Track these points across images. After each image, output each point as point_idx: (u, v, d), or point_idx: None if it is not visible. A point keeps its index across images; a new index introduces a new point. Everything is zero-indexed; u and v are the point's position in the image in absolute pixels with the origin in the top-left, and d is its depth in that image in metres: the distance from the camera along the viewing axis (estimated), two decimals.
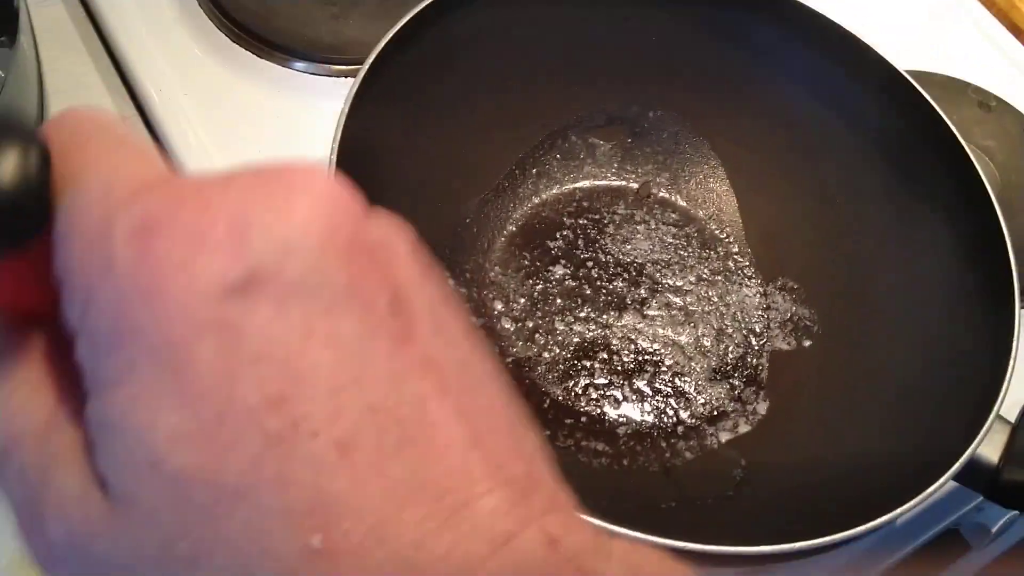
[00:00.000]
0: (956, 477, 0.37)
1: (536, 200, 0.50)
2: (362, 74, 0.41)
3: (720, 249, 0.51)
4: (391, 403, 0.17)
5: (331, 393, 0.16)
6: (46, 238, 0.18)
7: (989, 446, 0.38)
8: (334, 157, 0.39)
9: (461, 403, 0.18)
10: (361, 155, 0.41)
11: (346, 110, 0.40)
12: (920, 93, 0.46)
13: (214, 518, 0.16)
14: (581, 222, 0.50)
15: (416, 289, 0.18)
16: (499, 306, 0.47)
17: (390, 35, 0.43)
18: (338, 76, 0.55)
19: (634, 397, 0.45)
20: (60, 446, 0.18)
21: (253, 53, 0.55)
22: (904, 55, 0.48)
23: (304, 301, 0.17)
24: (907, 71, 0.47)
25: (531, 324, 0.46)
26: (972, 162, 0.44)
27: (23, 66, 0.37)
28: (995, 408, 0.38)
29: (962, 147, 0.44)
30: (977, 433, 0.37)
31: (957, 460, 0.36)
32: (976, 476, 0.39)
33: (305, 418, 0.16)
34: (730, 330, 0.48)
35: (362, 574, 0.16)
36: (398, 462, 0.17)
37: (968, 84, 0.61)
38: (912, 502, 0.36)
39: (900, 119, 0.47)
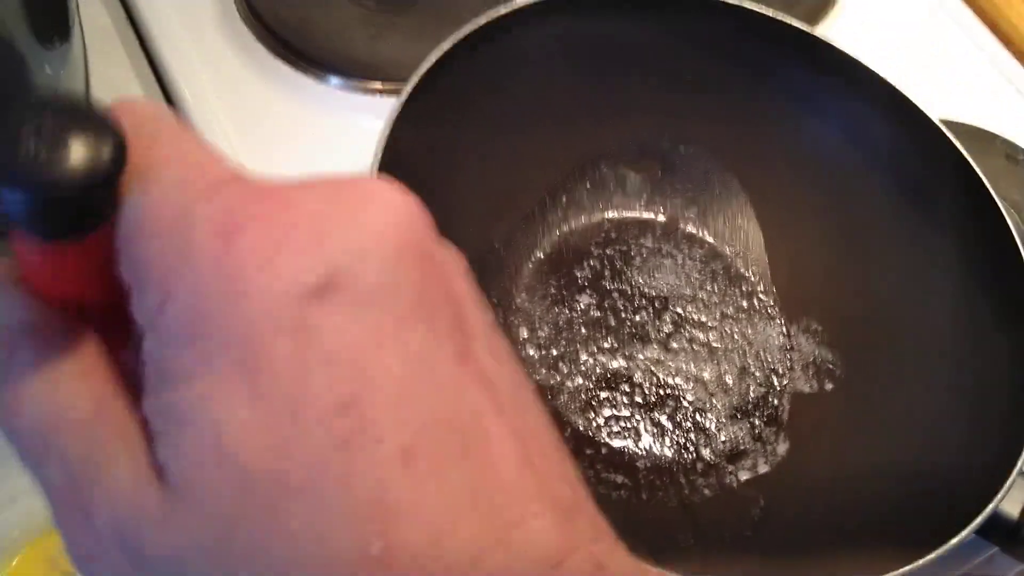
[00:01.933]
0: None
1: (565, 228, 0.51)
2: (405, 95, 0.42)
3: (745, 287, 0.51)
4: (452, 415, 0.17)
5: (398, 400, 0.17)
6: (108, 230, 0.18)
7: (1010, 501, 0.38)
8: (375, 174, 0.39)
9: (513, 422, 0.18)
10: (396, 174, 0.41)
11: (388, 130, 0.41)
12: (953, 143, 0.46)
13: (276, 514, 0.16)
14: (608, 253, 0.50)
15: (472, 309, 0.19)
16: (524, 332, 0.47)
17: (433, 59, 0.43)
18: (373, 94, 0.56)
19: (655, 431, 0.45)
20: (110, 436, 0.18)
21: (291, 67, 0.56)
22: (934, 103, 0.49)
23: (378, 308, 0.17)
24: (939, 120, 0.48)
25: (555, 352, 0.47)
26: (1003, 216, 0.44)
27: (75, 66, 0.38)
28: (1018, 463, 0.38)
29: (993, 200, 0.45)
30: (1000, 488, 0.37)
31: (979, 514, 0.36)
32: (995, 529, 0.39)
33: (373, 423, 0.16)
34: (752, 369, 0.48)
35: None
36: (457, 474, 0.17)
37: (996, 136, 0.61)
38: (931, 555, 0.36)
39: (931, 167, 0.48)
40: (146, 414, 0.17)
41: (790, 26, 0.49)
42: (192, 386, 0.17)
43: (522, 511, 0.17)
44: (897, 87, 0.48)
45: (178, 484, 0.17)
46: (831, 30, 0.65)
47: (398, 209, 0.18)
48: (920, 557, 0.36)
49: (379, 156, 0.40)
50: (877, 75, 0.48)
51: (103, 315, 0.19)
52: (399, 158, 0.41)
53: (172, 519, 0.17)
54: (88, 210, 0.17)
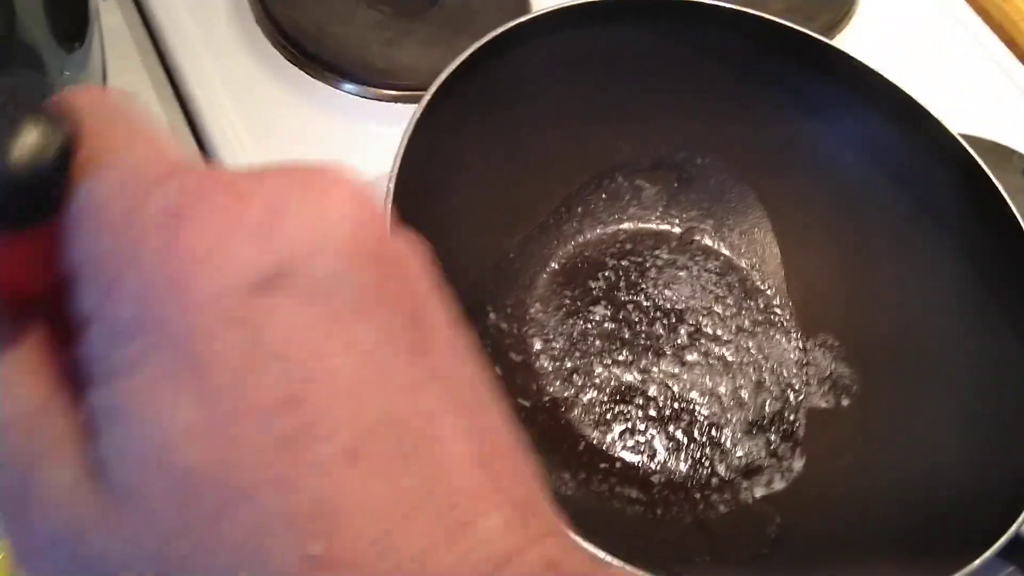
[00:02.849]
0: None
1: (580, 239, 0.50)
2: (424, 103, 0.41)
3: (761, 301, 0.50)
4: (404, 413, 0.17)
5: (346, 398, 0.16)
6: (55, 221, 0.17)
7: None
8: (392, 184, 0.39)
9: (469, 421, 0.18)
10: (413, 183, 0.41)
11: (406, 137, 0.40)
12: (974, 158, 0.46)
13: (217, 517, 0.16)
14: (623, 264, 0.50)
15: (431, 305, 0.19)
16: (538, 344, 0.47)
17: (452, 68, 0.43)
18: (388, 101, 0.56)
19: (670, 445, 0.45)
20: (51, 435, 0.17)
21: (305, 72, 0.56)
22: (951, 118, 0.48)
23: (327, 303, 0.17)
24: (959, 135, 0.47)
25: (569, 364, 0.46)
26: None
27: (93, 69, 0.37)
28: None
29: (1014, 216, 0.44)
30: (1021, 510, 0.36)
31: (1002, 535, 0.36)
32: (1015, 550, 0.38)
33: (316, 422, 0.16)
34: (768, 383, 0.48)
35: None
36: (406, 473, 0.16)
37: (1014, 152, 0.61)
38: None
39: (950, 183, 0.47)
40: (88, 410, 0.17)
41: (809, 37, 0.49)
42: (133, 380, 0.16)
43: (472, 511, 0.17)
44: (917, 100, 0.48)
45: (118, 486, 0.16)
46: (848, 43, 0.65)
47: (354, 202, 0.17)
48: None
49: (397, 164, 0.39)
50: (897, 88, 0.48)
51: (49, 309, 0.18)
52: (416, 166, 0.41)
53: (111, 522, 0.16)
54: (36, 200, 0.17)
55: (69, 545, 0.17)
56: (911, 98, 0.48)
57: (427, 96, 0.42)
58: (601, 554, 0.33)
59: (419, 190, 0.42)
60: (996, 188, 0.45)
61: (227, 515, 0.16)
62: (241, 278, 0.16)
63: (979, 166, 0.46)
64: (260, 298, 0.16)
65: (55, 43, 0.33)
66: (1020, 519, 0.37)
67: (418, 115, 0.41)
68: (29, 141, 0.16)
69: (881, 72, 0.48)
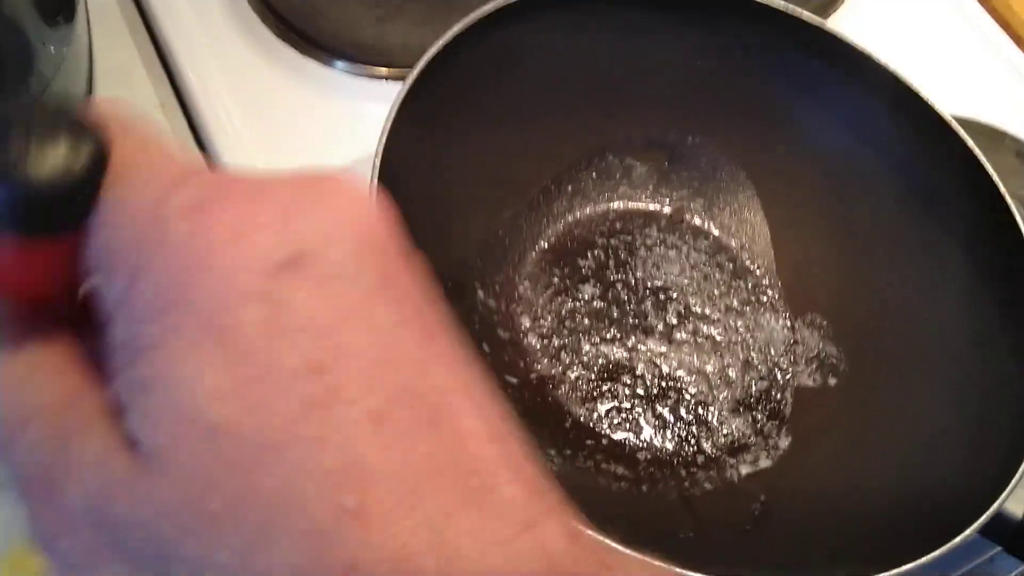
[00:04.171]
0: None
1: (569, 218, 0.50)
2: (410, 80, 0.41)
3: (750, 280, 0.50)
4: (421, 387, 0.18)
5: (367, 367, 0.17)
6: (79, 233, 0.18)
7: (1014, 500, 0.38)
8: (378, 160, 0.39)
9: (479, 404, 0.19)
10: (401, 159, 0.41)
11: (392, 115, 0.40)
12: (964, 141, 0.46)
13: (248, 473, 0.16)
14: (613, 243, 0.50)
15: (432, 304, 0.20)
16: (527, 322, 0.47)
17: (440, 44, 0.43)
18: (379, 79, 0.56)
19: (656, 423, 0.45)
20: (81, 416, 0.18)
21: (296, 50, 0.56)
22: (944, 100, 0.48)
23: (343, 285, 0.18)
24: (950, 116, 0.47)
25: (557, 342, 0.46)
26: (1013, 214, 0.44)
27: (78, 45, 0.37)
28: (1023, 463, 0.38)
29: (1003, 197, 0.44)
30: (1005, 487, 0.37)
31: (983, 513, 0.36)
32: (998, 529, 0.38)
33: (342, 386, 0.17)
34: (756, 362, 0.48)
35: (393, 538, 0.16)
36: (427, 440, 0.17)
37: (1006, 134, 0.61)
38: (934, 553, 0.36)
39: (941, 165, 0.47)
40: (115, 392, 0.18)
41: (799, 19, 0.48)
42: (161, 353, 0.17)
43: (492, 479, 0.18)
44: (907, 82, 0.47)
45: (150, 449, 0.17)
46: (841, 25, 0.65)
47: (363, 203, 0.19)
48: (922, 555, 0.36)
49: (383, 142, 0.39)
50: (887, 69, 0.48)
51: (75, 312, 0.20)
52: (403, 144, 0.41)
53: (144, 484, 0.17)
54: (67, 210, 0.18)
55: (99, 516, 0.17)
56: (901, 79, 0.48)
57: (413, 73, 0.41)
58: (590, 532, 0.33)
59: (406, 167, 0.42)
60: (986, 169, 0.45)
61: (258, 470, 0.16)
62: (263, 260, 0.17)
63: (969, 147, 0.46)
64: (280, 279, 0.17)
65: (38, 16, 0.33)
66: (1002, 497, 0.37)
67: (404, 92, 0.41)
68: (61, 155, 0.17)
69: (872, 53, 0.48)
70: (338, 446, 0.16)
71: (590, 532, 0.19)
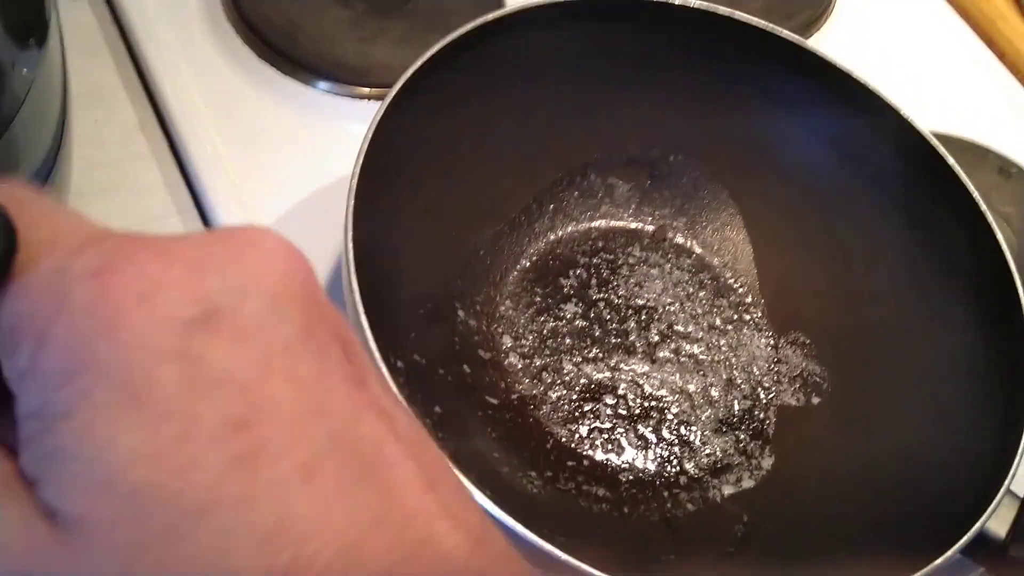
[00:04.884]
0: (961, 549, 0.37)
1: (551, 236, 0.50)
2: (389, 98, 0.41)
3: (733, 298, 0.50)
4: (350, 438, 0.17)
5: (292, 420, 0.17)
6: None
7: (997, 520, 0.38)
8: (355, 182, 0.38)
9: (413, 451, 0.18)
10: (380, 178, 0.41)
11: (370, 133, 0.40)
12: (943, 157, 0.46)
13: (176, 538, 0.16)
14: (595, 262, 0.50)
15: (359, 350, 0.19)
16: (508, 341, 0.46)
17: (420, 62, 0.42)
18: (361, 98, 0.55)
19: (638, 443, 0.44)
20: None
21: (278, 70, 0.55)
22: (927, 116, 0.48)
23: (262, 339, 0.17)
24: (930, 133, 0.47)
25: (539, 362, 0.46)
26: (995, 232, 0.43)
27: (50, 68, 0.37)
28: (1006, 482, 0.37)
29: (985, 217, 0.44)
30: (987, 507, 0.36)
31: (965, 533, 0.36)
32: (981, 549, 0.38)
33: (268, 440, 0.16)
34: (739, 381, 0.47)
35: None
36: (360, 492, 0.17)
37: (989, 150, 0.61)
38: (917, 574, 0.36)
39: (921, 182, 0.47)
40: (27, 468, 0.17)
41: (781, 38, 0.49)
42: (73, 421, 0.16)
43: (430, 529, 0.17)
44: (887, 99, 0.47)
45: (70, 519, 0.16)
46: (825, 43, 0.65)
47: (278, 254, 0.18)
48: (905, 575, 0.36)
49: (361, 159, 0.39)
50: (868, 88, 0.48)
51: None
52: (382, 161, 0.40)
53: (66, 554, 0.16)
54: None
55: None
56: (881, 97, 0.48)
57: (392, 92, 0.41)
58: (564, 556, 0.32)
59: (385, 186, 0.41)
60: (966, 186, 0.45)
61: (186, 534, 0.16)
62: (173, 318, 0.16)
63: (949, 165, 0.46)
64: (194, 336, 0.16)
65: (7, 38, 0.33)
66: (984, 516, 0.36)
67: (382, 111, 0.41)
68: None
69: (850, 70, 0.48)
70: (268, 503, 0.16)
71: None
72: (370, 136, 0.40)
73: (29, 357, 0.17)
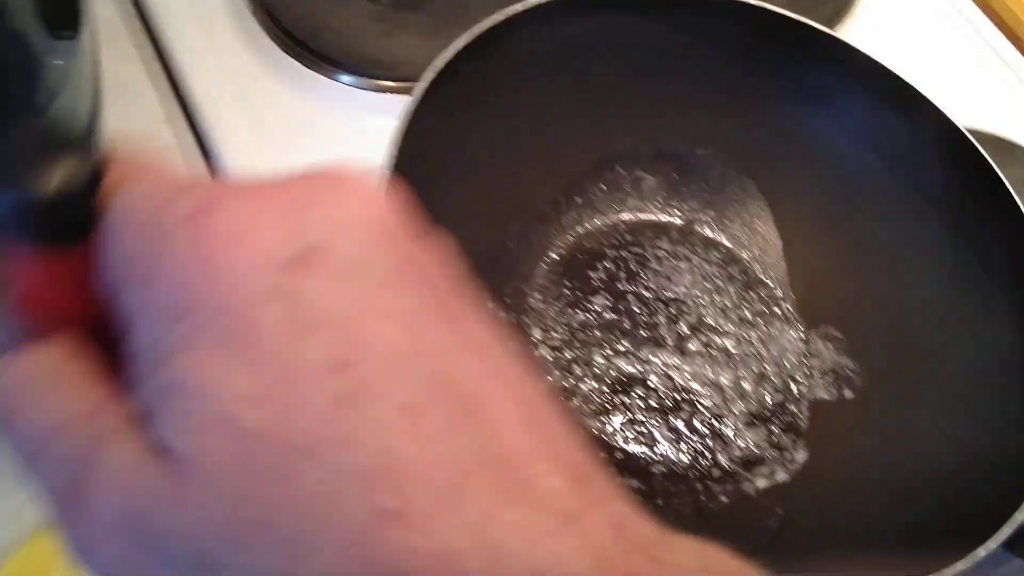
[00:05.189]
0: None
1: (579, 229, 0.50)
2: (419, 92, 0.41)
3: (763, 292, 0.50)
4: (450, 376, 0.17)
5: (393, 359, 0.16)
6: (89, 244, 0.19)
7: None
8: (388, 171, 0.38)
9: (512, 389, 0.18)
10: (409, 171, 0.40)
11: (402, 127, 0.40)
12: (979, 151, 0.46)
13: (283, 478, 0.16)
14: (624, 255, 0.49)
15: (454, 286, 0.19)
16: (537, 334, 0.46)
17: (447, 56, 0.42)
18: (385, 92, 0.55)
19: (671, 436, 0.44)
20: (107, 426, 0.17)
21: (302, 64, 0.55)
22: (955, 112, 0.48)
23: (359, 276, 0.17)
24: (964, 127, 0.47)
25: (569, 355, 0.46)
26: None
27: (85, 59, 0.37)
28: None
29: (1018, 208, 0.44)
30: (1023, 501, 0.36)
31: (1004, 527, 0.35)
32: (1020, 542, 0.37)
33: (370, 380, 0.16)
34: (770, 374, 0.47)
35: (436, 540, 0.16)
36: (461, 431, 0.17)
37: (1017, 145, 0.61)
38: (954, 566, 0.35)
39: (955, 176, 0.47)
40: (140, 400, 0.17)
41: (810, 27, 0.48)
42: (184, 359, 0.16)
43: (532, 471, 0.17)
44: (916, 87, 0.47)
45: (181, 457, 0.16)
46: (851, 35, 0.64)
47: (369, 195, 0.18)
48: (942, 568, 0.35)
49: (393, 153, 0.39)
50: (896, 76, 0.47)
51: (89, 327, 0.20)
52: (412, 156, 0.40)
53: (179, 493, 0.16)
54: (73, 220, 0.18)
55: (134, 524, 0.16)
56: (910, 86, 0.47)
57: (421, 85, 0.41)
58: None
59: (414, 180, 0.41)
60: (1001, 180, 0.45)
61: (293, 474, 0.16)
62: (272, 257, 0.17)
63: (980, 154, 0.46)
64: (292, 274, 0.17)
65: (44, 30, 0.33)
66: (1022, 510, 0.36)
67: (413, 105, 0.40)
68: (66, 168, 0.18)
69: (880, 60, 0.48)
70: (372, 445, 0.16)
71: (637, 520, 0.18)
72: (401, 132, 0.40)
73: (139, 294, 0.17)
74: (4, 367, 0.18)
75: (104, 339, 0.19)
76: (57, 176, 0.18)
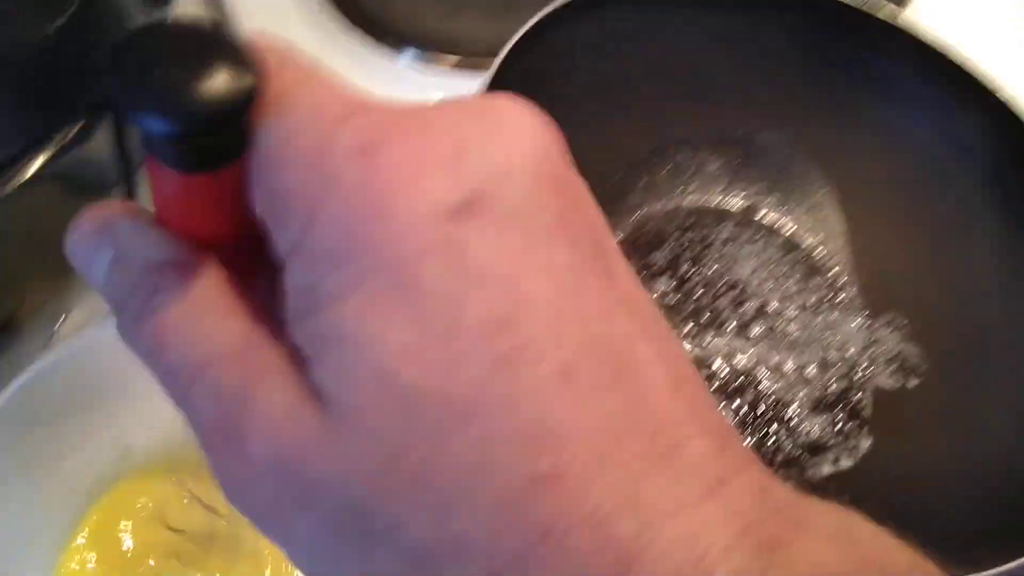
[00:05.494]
0: None
1: (641, 212, 0.50)
2: (492, 72, 0.41)
3: (827, 278, 0.50)
4: (604, 336, 0.17)
5: (552, 319, 0.16)
6: (241, 164, 0.17)
7: None
8: None
9: (661, 349, 0.17)
10: None
11: None
12: None
13: (441, 435, 0.16)
14: (686, 238, 0.49)
15: (608, 234, 0.19)
16: None
17: (518, 37, 0.42)
18: (446, 69, 0.55)
19: (734, 419, 0.44)
20: (262, 363, 0.17)
21: (363, 39, 0.55)
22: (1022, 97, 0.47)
23: (522, 228, 0.17)
24: None
25: None
26: None
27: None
28: None
29: None
30: None
31: None
32: None
33: (530, 340, 0.16)
34: (833, 361, 0.47)
35: (589, 502, 0.16)
36: (613, 395, 0.16)
37: None
38: (1020, 560, 0.35)
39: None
40: (295, 341, 0.17)
41: (874, 18, 0.48)
42: (346, 307, 0.16)
43: (679, 434, 0.17)
44: (988, 78, 0.46)
45: (339, 406, 0.16)
46: (919, 16, 0.63)
47: (534, 133, 0.18)
48: (1008, 560, 0.35)
49: None
50: (966, 65, 0.47)
51: (234, 251, 0.19)
52: None
53: (334, 442, 0.16)
54: (225, 141, 0.17)
55: (287, 469, 0.16)
56: (976, 77, 0.46)
57: (495, 64, 0.41)
58: None
59: None
60: None
61: (451, 435, 0.16)
62: (439, 205, 0.16)
63: None
64: (457, 223, 0.16)
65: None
66: None
67: (487, 83, 0.41)
68: (222, 79, 0.16)
69: (945, 49, 0.47)
70: (530, 408, 0.16)
71: (776, 484, 0.18)
72: None
73: (299, 232, 0.17)
74: (152, 298, 0.18)
75: (248, 262, 0.19)
76: (208, 94, 0.16)
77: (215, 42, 0.17)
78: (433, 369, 0.16)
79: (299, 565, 0.18)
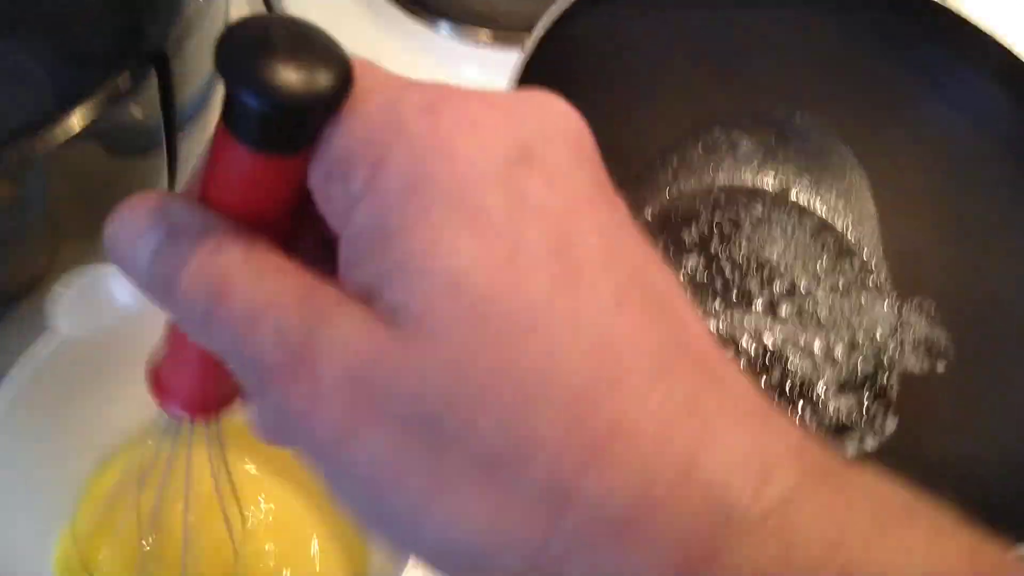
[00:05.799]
0: None
1: (674, 190, 0.50)
2: (529, 49, 0.41)
3: (856, 261, 0.50)
4: (647, 277, 0.18)
5: (604, 254, 0.18)
6: (307, 155, 0.19)
7: None
8: None
9: (693, 305, 0.19)
10: None
11: (514, 82, 0.40)
12: None
13: (509, 346, 0.17)
14: (717, 217, 0.50)
15: (632, 220, 0.20)
16: None
17: (555, 14, 0.42)
18: (482, 44, 0.56)
19: None
20: (323, 302, 0.18)
21: (399, 13, 0.56)
22: None
23: (568, 183, 0.18)
24: None
25: None
26: None
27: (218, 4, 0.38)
28: None
29: None
30: None
31: None
32: None
33: (584, 266, 0.17)
34: (861, 343, 0.47)
35: (647, 407, 0.17)
36: (660, 325, 0.18)
37: None
38: None
39: None
40: (361, 282, 0.18)
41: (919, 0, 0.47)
42: (416, 230, 0.17)
43: (723, 370, 0.18)
44: None
45: (411, 316, 0.17)
46: (963, 3, 0.63)
47: (570, 117, 0.20)
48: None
49: None
50: (1009, 52, 0.46)
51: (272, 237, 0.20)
52: None
53: (407, 351, 0.17)
54: (309, 128, 0.18)
55: (359, 381, 0.17)
56: (1021, 63, 0.46)
57: (532, 40, 0.41)
58: None
59: None
60: None
61: (517, 343, 0.17)
62: (497, 152, 0.18)
63: None
64: (516, 168, 0.18)
65: None
66: None
67: (524, 61, 0.41)
68: (325, 74, 0.18)
69: (994, 35, 0.47)
70: (589, 323, 0.17)
71: (807, 430, 0.19)
72: (514, 85, 0.40)
73: (367, 179, 0.18)
74: (211, 251, 0.18)
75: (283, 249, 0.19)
76: (302, 83, 0.17)
77: (320, 39, 0.18)
78: (500, 282, 0.17)
79: (352, 494, 0.18)
